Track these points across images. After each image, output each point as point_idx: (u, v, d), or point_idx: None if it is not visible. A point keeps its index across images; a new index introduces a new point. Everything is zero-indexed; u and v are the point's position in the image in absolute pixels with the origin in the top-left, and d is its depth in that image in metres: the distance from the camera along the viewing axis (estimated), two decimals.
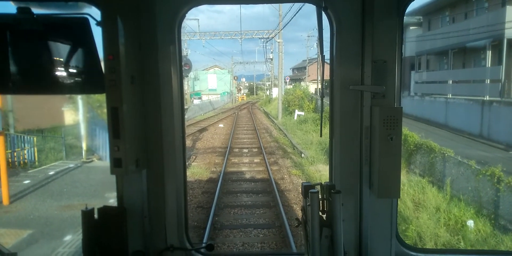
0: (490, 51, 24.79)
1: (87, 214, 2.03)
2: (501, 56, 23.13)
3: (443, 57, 32.21)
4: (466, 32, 25.97)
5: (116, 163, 1.96)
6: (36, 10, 1.93)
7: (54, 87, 2.09)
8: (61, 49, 1.99)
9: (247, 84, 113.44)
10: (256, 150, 20.09)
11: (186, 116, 21.98)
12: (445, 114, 25.93)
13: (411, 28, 35.76)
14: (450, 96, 26.90)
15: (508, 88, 23.04)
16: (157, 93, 2.18)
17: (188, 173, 14.67)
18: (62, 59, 2.00)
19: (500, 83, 22.89)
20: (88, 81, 2.05)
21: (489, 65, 24.92)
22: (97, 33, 1.91)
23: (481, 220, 9.44)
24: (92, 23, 1.91)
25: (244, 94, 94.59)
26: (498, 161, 12.84)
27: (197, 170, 15.26)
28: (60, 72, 2.03)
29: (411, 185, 11.88)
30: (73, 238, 6.63)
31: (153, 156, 2.22)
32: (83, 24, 1.88)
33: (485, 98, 22.72)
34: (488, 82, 24.04)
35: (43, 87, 2.14)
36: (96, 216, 2.07)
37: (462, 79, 28.14)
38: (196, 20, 37.83)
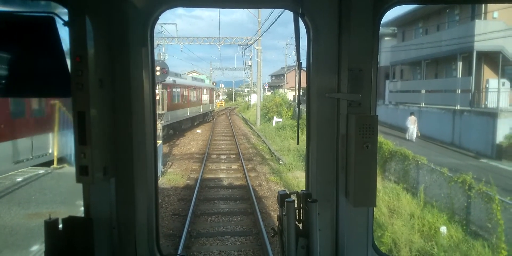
0: (460, 63, 25.76)
1: (50, 225, 1.91)
2: (471, 68, 24.06)
3: (416, 67, 33.25)
4: (438, 43, 26.90)
5: (82, 171, 1.86)
6: None
7: (17, 89, 1.98)
8: (24, 50, 1.88)
9: (226, 90, 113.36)
10: (234, 156, 19.97)
11: (162, 122, 21.39)
12: (418, 123, 26.64)
13: (386, 38, 36.82)
14: (423, 105, 27.71)
15: (478, 98, 23.94)
16: (127, 98, 2.09)
17: (164, 180, 14.38)
18: (25, 61, 1.89)
19: (470, 93, 23.78)
20: (54, 84, 1.94)
21: (460, 76, 25.87)
22: (64, 33, 1.82)
23: (453, 226, 9.68)
24: (59, 22, 1.81)
25: (223, 100, 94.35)
26: (469, 169, 13.25)
27: (173, 176, 14.99)
28: (23, 74, 1.91)
29: (386, 192, 12.07)
30: (40, 248, 6.32)
31: (122, 164, 2.12)
32: (48, 23, 1.78)
33: (456, 108, 23.53)
34: (459, 92, 24.92)
35: (5, 90, 2.02)
36: (60, 227, 1.95)
37: (435, 89, 29.07)
38: (174, 25, 37.49)
